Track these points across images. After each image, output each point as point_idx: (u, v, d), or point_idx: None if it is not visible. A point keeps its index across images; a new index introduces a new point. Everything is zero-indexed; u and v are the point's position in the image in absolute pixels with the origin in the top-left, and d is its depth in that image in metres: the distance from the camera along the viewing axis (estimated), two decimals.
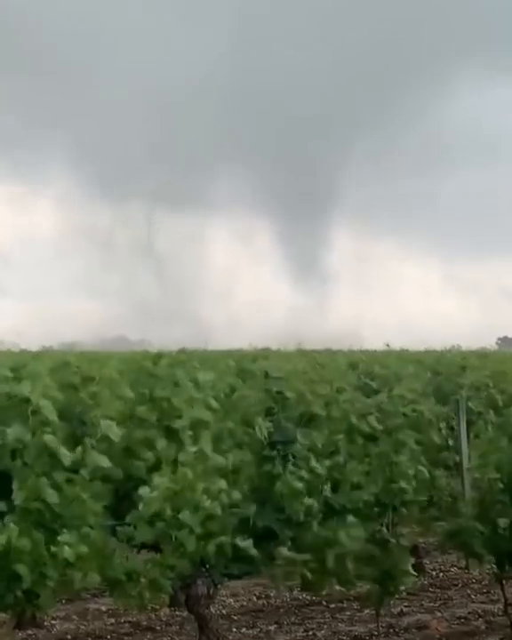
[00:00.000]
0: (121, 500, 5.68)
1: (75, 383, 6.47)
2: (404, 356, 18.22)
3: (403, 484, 6.10)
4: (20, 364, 5.82)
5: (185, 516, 5.06)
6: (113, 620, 7.25)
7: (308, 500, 5.50)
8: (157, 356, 9.34)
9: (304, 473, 5.55)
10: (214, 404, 6.58)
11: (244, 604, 7.76)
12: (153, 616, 7.26)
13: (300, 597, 7.75)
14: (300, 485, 5.45)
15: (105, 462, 4.90)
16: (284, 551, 5.44)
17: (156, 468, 5.66)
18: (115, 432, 5.11)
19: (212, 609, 5.54)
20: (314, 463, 5.60)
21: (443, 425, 8.04)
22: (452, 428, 8.39)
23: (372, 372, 11.01)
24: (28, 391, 4.82)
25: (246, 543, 5.22)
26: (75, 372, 6.68)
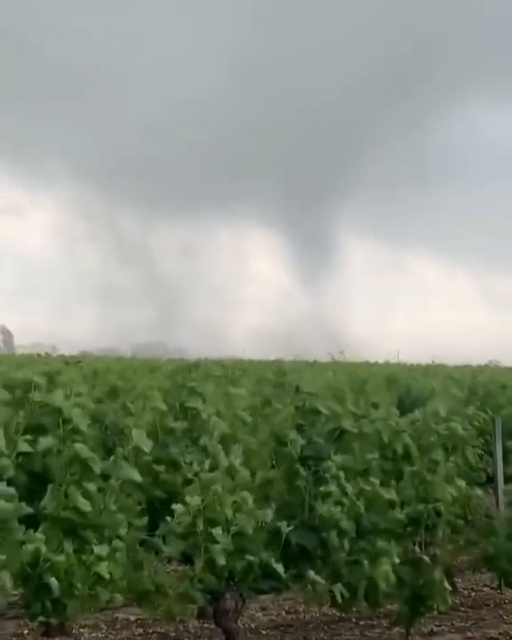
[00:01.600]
0: (151, 512, 5.67)
1: (107, 393, 6.50)
2: (439, 372, 18.11)
3: (436, 504, 6.03)
4: (54, 371, 5.83)
5: (216, 531, 5.04)
6: (141, 631, 7.22)
7: (341, 522, 5.45)
8: (190, 368, 9.35)
9: (336, 491, 5.50)
10: (246, 417, 6.57)
11: (273, 618, 7.70)
12: (181, 627, 7.22)
13: (329, 613, 7.67)
14: (333, 507, 5.41)
15: (136, 476, 4.88)
16: (314, 575, 5.38)
17: (186, 480, 5.65)
18: (146, 443, 5.10)
19: (239, 623, 5.49)
20: (345, 482, 5.55)
21: (478, 443, 7.96)
22: (487, 446, 8.31)
23: (409, 387, 10.95)
24: (61, 400, 4.82)
25: (276, 565, 5.19)
26: (108, 382, 6.71)
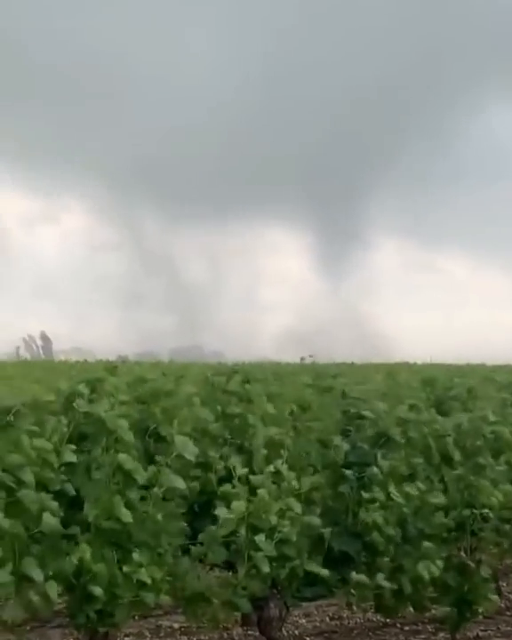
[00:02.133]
0: (194, 518, 5.66)
1: (149, 399, 6.48)
2: (477, 371, 17.96)
3: (482, 509, 5.97)
4: (97, 379, 5.83)
5: (260, 538, 5.01)
6: (185, 638, 7.21)
7: (387, 528, 5.41)
8: (231, 373, 9.32)
9: (381, 497, 5.47)
10: (287, 417, 6.53)
11: (317, 624, 7.66)
12: (225, 635, 7.20)
13: (374, 619, 7.62)
14: (379, 514, 5.37)
15: (180, 483, 4.87)
16: (359, 577, 5.34)
17: (229, 485, 5.63)
18: (190, 451, 5.08)
19: (284, 631, 5.46)
20: (392, 488, 5.51)
21: None
22: None
23: (449, 388, 10.82)
24: (104, 410, 4.82)
25: (319, 569, 5.16)
26: (150, 389, 6.69)
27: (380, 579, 5.35)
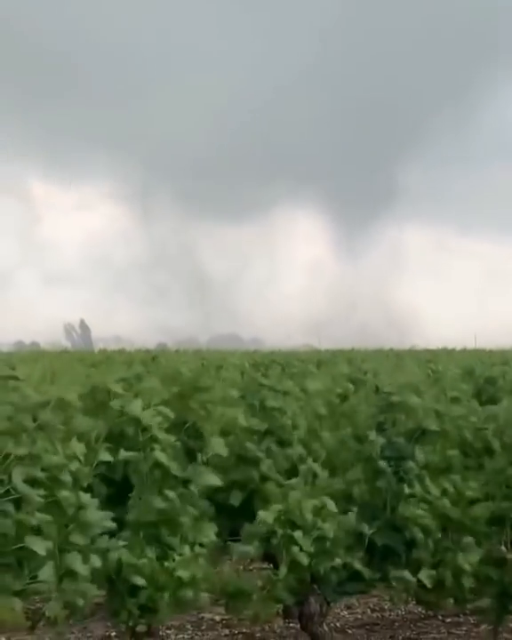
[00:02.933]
0: (235, 514, 5.68)
1: (186, 396, 6.50)
2: None
3: None
4: (132, 377, 5.86)
5: (298, 534, 5.02)
6: (227, 631, 7.24)
7: (426, 522, 5.39)
8: (267, 364, 9.31)
9: (419, 491, 5.45)
10: (323, 411, 6.52)
11: (359, 616, 7.66)
12: (266, 627, 7.22)
13: (415, 611, 7.61)
14: (418, 508, 5.36)
15: (216, 481, 4.89)
16: (399, 572, 5.34)
17: (266, 483, 5.64)
18: (223, 449, 5.11)
19: (325, 626, 5.47)
20: (429, 482, 5.49)
21: None
22: None
23: (490, 377, 10.76)
24: (140, 409, 4.84)
25: (361, 566, 5.16)
26: (186, 384, 6.71)
27: (422, 575, 5.33)
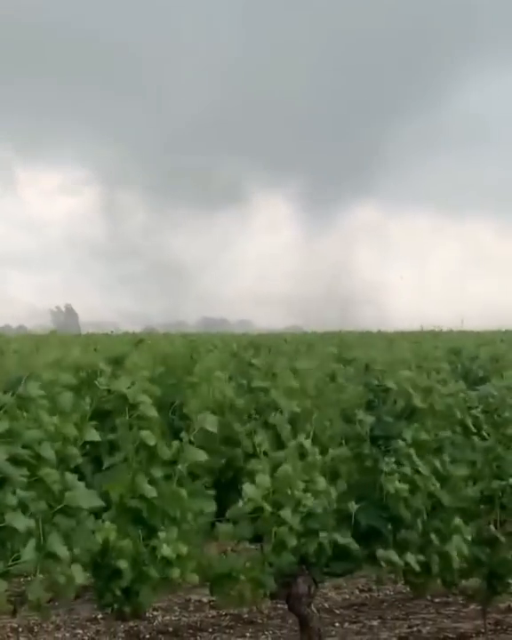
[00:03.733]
0: (221, 493, 5.61)
1: (173, 374, 6.43)
2: (505, 339, 17.77)
3: (511, 480, 5.87)
4: (119, 356, 5.78)
5: (285, 513, 4.96)
6: (214, 613, 7.20)
7: (413, 500, 5.33)
8: (256, 345, 9.24)
9: (408, 471, 5.39)
10: (311, 390, 6.45)
11: (347, 597, 7.63)
12: (254, 609, 7.18)
13: (404, 591, 7.58)
14: (404, 486, 5.29)
15: (202, 456, 4.81)
16: (387, 553, 5.28)
17: (253, 460, 5.57)
18: (211, 422, 5.01)
19: (313, 607, 5.41)
20: (417, 460, 5.42)
21: None
22: None
23: (475, 357, 10.73)
24: (127, 387, 4.75)
25: (347, 540, 5.09)
26: (173, 363, 6.64)
27: (410, 558, 5.27)
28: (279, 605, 7.09)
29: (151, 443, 4.69)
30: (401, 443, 5.51)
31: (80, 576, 4.34)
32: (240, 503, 5.04)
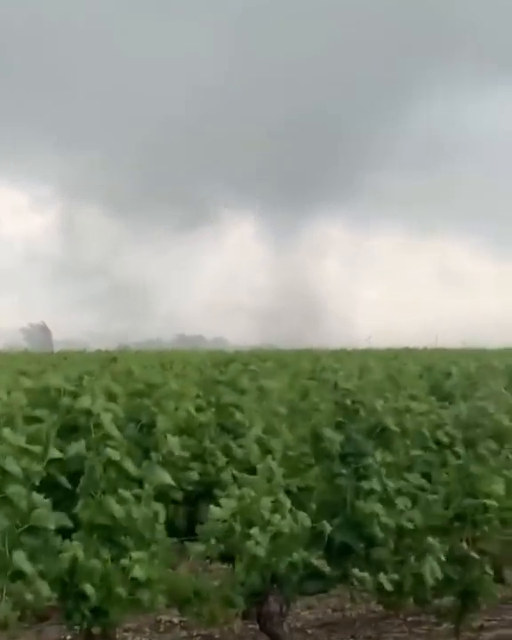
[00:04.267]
0: (188, 512, 5.56)
1: (141, 393, 6.37)
2: (476, 356, 17.82)
3: (483, 499, 5.86)
4: (84, 374, 5.71)
5: (255, 531, 4.91)
6: (185, 633, 7.12)
7: (385, 519, 5.30)
8: (226, 362, 9.19)
9: (379, 489, 5.36)
10: (282, 410, 6.42)
11: (319, 616, 7.57)
12: (226, 629, 7.10)
13: (376, 610, 7.52)
14: (376, 505, 5.26)
15: (167, 479, 4.77)
16: (359, 572, 5.24)
17: (222, 479, 5.53)
18: (176, 445, 4.98)
19: (285, 627, 5.36)
20: (388, 480, 5.40)
21: None
22: None
23: (448, 374, 10.72)
24: (91, 405, 4.70)
25: (320, 562, 5.06)
26: (141, 381, 6.59)
27: (383, 579, 5.24)
28: (250, 626, 7.02)
29: (118, 461, 4.64)
30: (371, 461, 5.49)
31: (46, 591, 4.28)
32: (208, 522, 5.00)
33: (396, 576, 5.42)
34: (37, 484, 4.40)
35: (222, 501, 4.80)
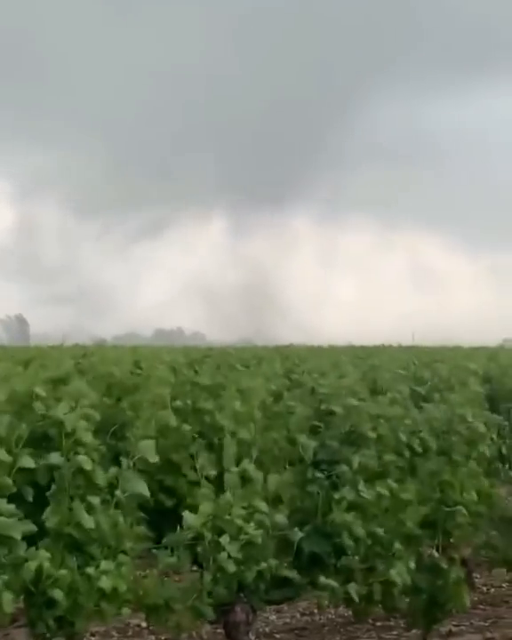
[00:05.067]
0: (159, 519, 5.51)
1: (113, 395, 6.32)
2: (451, 355, 17.80)
3: (455, 506, 5.85)
4: (58, 378, 5.64)
5: (224, 540, 4.87)
6: (153, 638, 7.08)
7: (356, 529, 5.27)
8: (201, 360, 9.12)
9: (352, 497, 5.33)
10: (258, 414, 6.37)
11: (288, 621, 7.55)
12: (194, 633, 7.07)
13: (345, 615, 7.51)
14: (348, 514, 5.24)
15: (143, 489, 4.71)
16: (327, 580, 5.22)
17: (196, 485, 5.48)
18: (152, 454, 4.92)
19: (251, 635, 5.32)
20: (361, 486, 5.37)
21: (494, 435, 7.73)
22: (503, 438, 8.09)
23: (422, 377, 10.68)
24: (64, 412, 4.64)
25: (290, 572, 5.03)
26: (114, 384, 6.53)
27: (351, 588, 5.23)
28: (219, 630, 6.99)
29: (88, 469, 4.58)
30: (345, 468, 5.46)
31: (9, 605, 4.23)
32: (179, 530, 4.96)
33: (364, 588, 5.41)
34: (7, 494, 4.36)
35: (200, 505, 4.77)
